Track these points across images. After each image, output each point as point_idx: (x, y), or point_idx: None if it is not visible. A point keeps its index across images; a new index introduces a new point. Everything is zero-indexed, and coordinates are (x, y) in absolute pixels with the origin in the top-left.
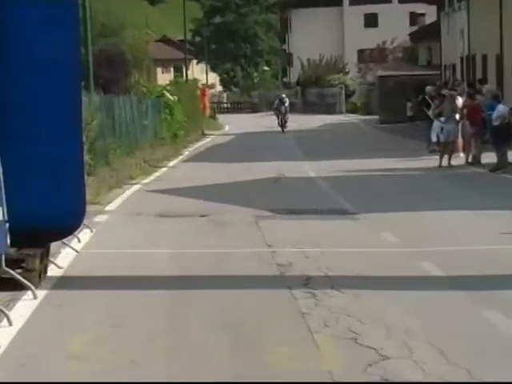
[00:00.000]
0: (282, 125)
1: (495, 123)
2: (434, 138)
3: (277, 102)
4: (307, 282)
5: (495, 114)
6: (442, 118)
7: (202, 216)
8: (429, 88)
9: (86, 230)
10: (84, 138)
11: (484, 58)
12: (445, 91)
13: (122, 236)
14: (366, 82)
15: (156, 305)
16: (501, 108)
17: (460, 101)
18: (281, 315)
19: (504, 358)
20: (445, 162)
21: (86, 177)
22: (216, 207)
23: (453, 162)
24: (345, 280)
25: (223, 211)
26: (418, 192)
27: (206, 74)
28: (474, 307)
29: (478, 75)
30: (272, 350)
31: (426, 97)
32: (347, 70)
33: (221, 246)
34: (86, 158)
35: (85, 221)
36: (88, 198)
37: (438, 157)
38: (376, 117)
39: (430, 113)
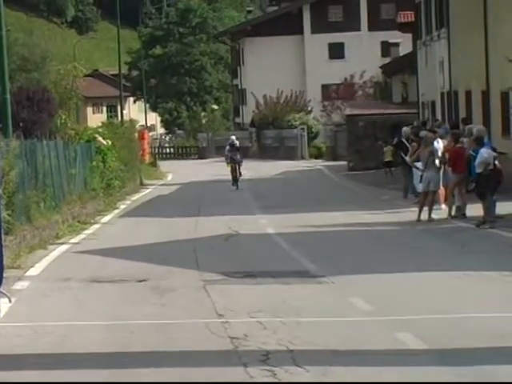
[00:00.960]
0: (237, 178)
1: (478, 170)
2: (419, 188)
3: (228, 147)
4: (265, 357)
5: (478, 160)
6: (419, 164)
7: (141, 281)
8: (406, 129)
9: (4, 300)
10: (0, 191)
11: (468, 94)
12: (423, 133)
13: (47, 306)
14: (331, 123)
15: None
16: (483, 153)
17: (441, 144)
18: None
19: None
20: (424, 216)
21: (3, 236)
22: (157, 270)
23: (433, 216)
24: (310, 355)
25: (165, 275)
26: (393, 250)
27: (145, 113)
28: None
29: (462, 114)
30: None
31: (403, 139)
32: (310, 108)
33: (163, 316)
34: (4, 214)
35: (1, 288)
36: (6, 261)
37: (416, 209)
38: (344, 163)
39: (407, 158)
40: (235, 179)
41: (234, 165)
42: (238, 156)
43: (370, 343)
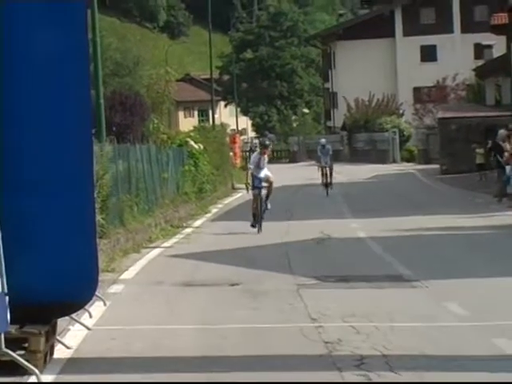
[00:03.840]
0: (327, 184)
1: None
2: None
3: (320, 148)
4: (360, 362)
5: None
6: (508, 166)
7: (233, 285)
8: (502, 131)
9: (99, 303)
10: (95, 195)
11: None
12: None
13: (141, 310)
14: (423, 126)
15: None
16: None
17: None
18: None
19: None
20: None
21: (98, 240)
22: (249, 274)
23: None
24: (404, 360)
25: (258, 279)
26: (488, 254)
27: (236, 117)
28: None
29: None
30: None
31: (500, 142)
32: (401, 111)
33: (256, 320)
34: (98, 217)
35: (97, 292)
36: (101, 264)
37: (510, 213)
38: (436, 166)
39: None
40: (326, 185)
41: (325, 168)
42: (328, 159)
43: (465, 349)
